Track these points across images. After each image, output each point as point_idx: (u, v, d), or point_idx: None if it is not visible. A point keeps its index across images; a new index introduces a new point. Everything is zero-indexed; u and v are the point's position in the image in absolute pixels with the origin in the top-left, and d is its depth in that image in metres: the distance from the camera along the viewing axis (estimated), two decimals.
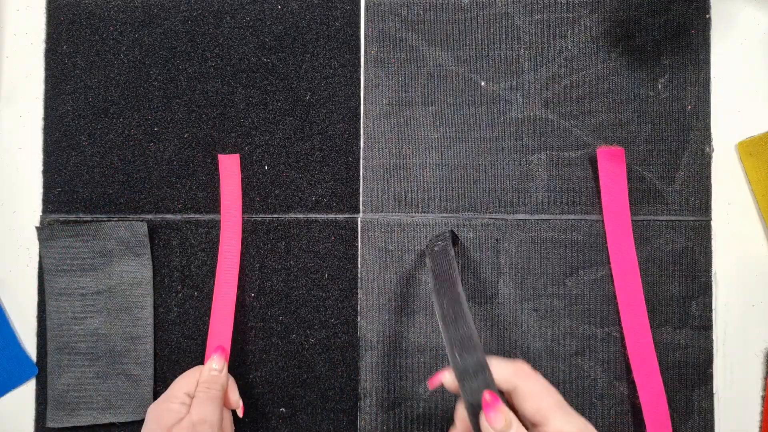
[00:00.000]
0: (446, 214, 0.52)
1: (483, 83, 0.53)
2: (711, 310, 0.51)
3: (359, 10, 0.53)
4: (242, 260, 0.52)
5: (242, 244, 0.52)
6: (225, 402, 0.46)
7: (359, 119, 0.53)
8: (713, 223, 0.52)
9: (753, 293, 0.51)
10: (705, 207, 0.52)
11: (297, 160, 0.53)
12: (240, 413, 0.47)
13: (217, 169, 0.53)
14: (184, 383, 0.45)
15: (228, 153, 0.53)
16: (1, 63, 0.54)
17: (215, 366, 0.47)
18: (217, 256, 0.52)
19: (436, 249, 0.45)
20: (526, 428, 0.36)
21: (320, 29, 0.53)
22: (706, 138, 0.52)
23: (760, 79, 0.52)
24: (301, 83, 0.53)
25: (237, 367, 0.51)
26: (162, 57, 0.53)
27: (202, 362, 0.52)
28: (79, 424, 0.51)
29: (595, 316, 0.51)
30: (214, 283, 0.52)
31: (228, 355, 0.49)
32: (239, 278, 0.51)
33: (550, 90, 0.52)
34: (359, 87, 0.53)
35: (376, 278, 0.52)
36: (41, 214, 0.53)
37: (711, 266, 0.51)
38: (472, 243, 0.52)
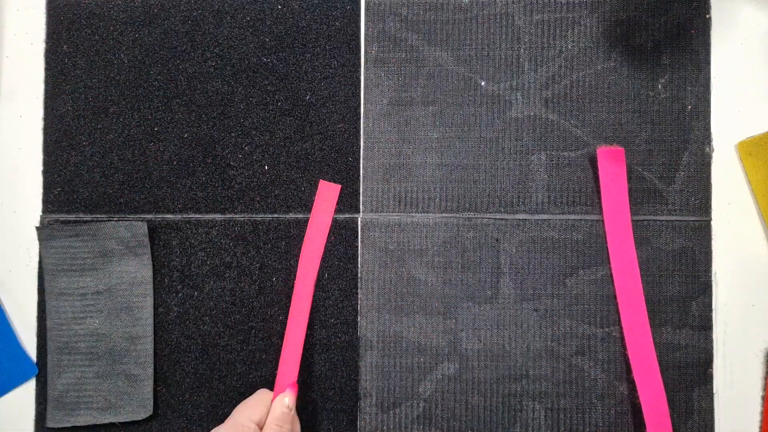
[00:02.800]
0: (446, 214, 0.52)
1: (483, 83, 0.53)
2: (711, 310, 0.51)
3: (359, 10, 0.53)
4: (242, 260, 0.52)
5: (242, 244, 0.52)
6: None
7: (359, 119, 0.53)
8: (713, 223, 0.52)
9: (753, 293, 0.51)
10: (705, 207, 0.52)
11: (297, 160, 0.53)
12: None
13: (216, 169, 0.53)
14: (252, 411, 0.45)
15: (228, 153, 0.53)
16: (1, 63, 0.54)
17: (288, 403, 0.46)
18: (217, 257, 0.52)
19: None
20: None
21: (320, 29, 0.53)
22: (706, 138, 0.52)
23: (760, 79, 0.52)
24: (301, 83, 0.53)
25: (237, 367, 0.51)
26: (162, 57, 0.53)
27: (201, 363, 0.52)
28: (79, 424, 0.51)
29: (595, 316, 0.51)
30: (215, 285, 0.52)
31: (296, 392, 0.48)
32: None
33: (550, 90, 0.52)
34: (359, 87, 0.53)
35: (376, 278, 0.52)
36: (41, 214, 0.53)
37: (711, 266, 0.51)
38: (472, 243, 0.52)
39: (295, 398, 0.47)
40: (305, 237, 0.52)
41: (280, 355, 0.50)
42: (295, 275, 0.52)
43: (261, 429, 0.45)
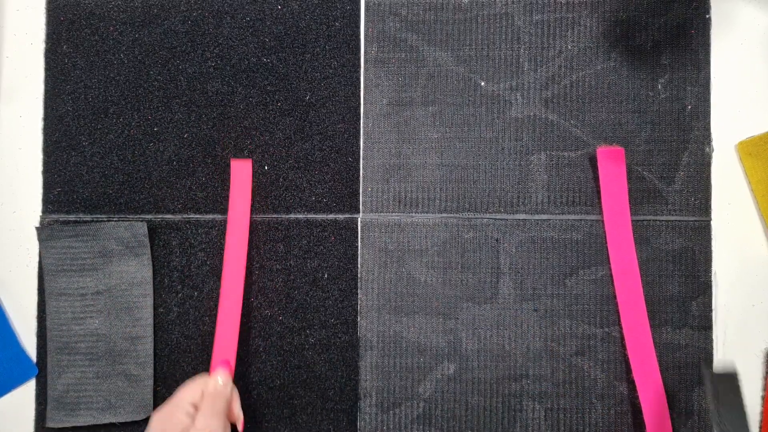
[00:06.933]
0: (446, 214, 0.52)
1: (483, 83, 0.53)
2: (711, 310, 0.51)
3: (359, 10, 0.53)
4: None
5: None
6: (228, 415, 0.47)
7: (359, 119, 0.53)
8: (713, 223, 0.52)
9: (753, 293, 0.51)
10: (705, 207, 0.52)
11: (297, 160, 0.53)
12: (240, 428, 0.47)
13: (216, 169, 0.53)
14: (189, 393, 0.45)
15: (228, 153, 0.53)
16: (1, 63, 0.54)
17: (221, 380, 0.47)
18: (217, 257, 0.52)
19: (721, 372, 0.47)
20: None
21: (320, 29, 0.53)
22: (706, 138, 0.52)
23: (760, 79, 0.52)
24: (301, 83, 0.53)
25: (237, 367, 0.51)
26: (162, 57, 0.53)
27: (201, 363, 0.52)
28: (79, 424, 0.51)
29: (595, 316, 0.51)
30: (215, 285, 0.52)
31: (233, 369, 0.49)
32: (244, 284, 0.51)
33: (550, 90, 0.52)
34: (359, 87, 0.53)
35: (376, 278, 0.52)
36: (41, 214, 0.53)
37: (711, 266, 0.51)
38: (472, 243, 0.52)
39: (230, 374, 0.47)
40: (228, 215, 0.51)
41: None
42: (295, 275, 0.52)
43: (197, 409, 0.45)
